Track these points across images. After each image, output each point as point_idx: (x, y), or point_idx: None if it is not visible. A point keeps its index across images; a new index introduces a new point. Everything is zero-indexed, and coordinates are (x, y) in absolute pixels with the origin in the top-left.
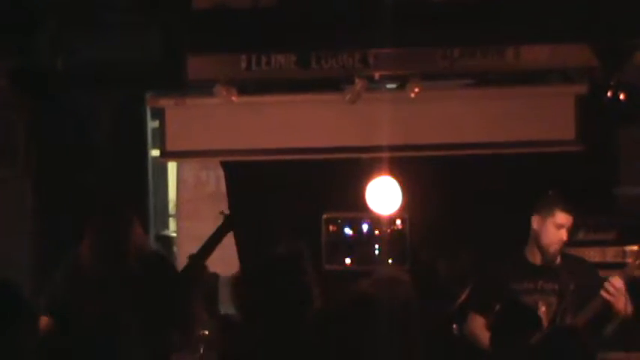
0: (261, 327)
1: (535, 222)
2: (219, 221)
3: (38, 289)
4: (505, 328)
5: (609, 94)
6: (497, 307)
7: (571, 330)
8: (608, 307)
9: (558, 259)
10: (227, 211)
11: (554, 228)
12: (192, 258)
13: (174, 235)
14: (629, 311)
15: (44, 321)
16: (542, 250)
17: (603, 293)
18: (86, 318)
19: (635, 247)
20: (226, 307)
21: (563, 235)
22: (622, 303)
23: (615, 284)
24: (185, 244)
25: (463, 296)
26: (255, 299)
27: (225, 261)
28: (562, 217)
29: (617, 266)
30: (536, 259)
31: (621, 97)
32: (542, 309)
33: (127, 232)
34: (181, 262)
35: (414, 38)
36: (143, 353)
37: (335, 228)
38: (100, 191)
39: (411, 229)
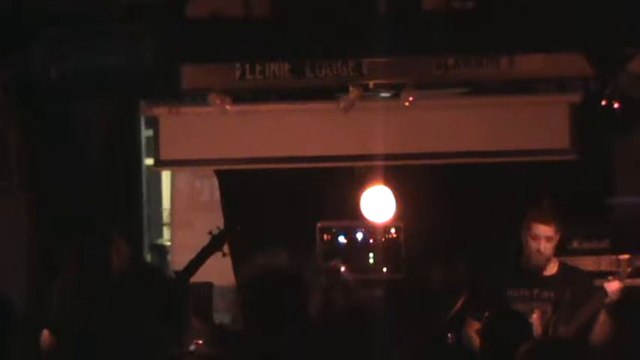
0: (263, 336)
1: (522, 236)
2: (214, 231)
3: (35, 302)
4: (495, 335)
5: (604, 103)
6: (487, 313)
7: (560, 341)
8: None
9: (555, 269)
10: (217, 231)
11: (531, 239)
12: (178, 275)
13: (168, 244)
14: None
15: (45, 336)
16: (526, 260)
17: (605, 284)
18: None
19: (628, 256)
20: (221, 316)
21: (541, 245)
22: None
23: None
24: (179, 253)
25: (458, 305)
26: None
27: (218, 270)
28: (537, 228)
29: (612, 275)
30: (532, 267)
31: (615, 106)
32: (534, 316)
33: (109, 252)
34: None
35: (409, 47)
36: None
37: (329, 237)
38: (81, 208)
39: (406, 238)
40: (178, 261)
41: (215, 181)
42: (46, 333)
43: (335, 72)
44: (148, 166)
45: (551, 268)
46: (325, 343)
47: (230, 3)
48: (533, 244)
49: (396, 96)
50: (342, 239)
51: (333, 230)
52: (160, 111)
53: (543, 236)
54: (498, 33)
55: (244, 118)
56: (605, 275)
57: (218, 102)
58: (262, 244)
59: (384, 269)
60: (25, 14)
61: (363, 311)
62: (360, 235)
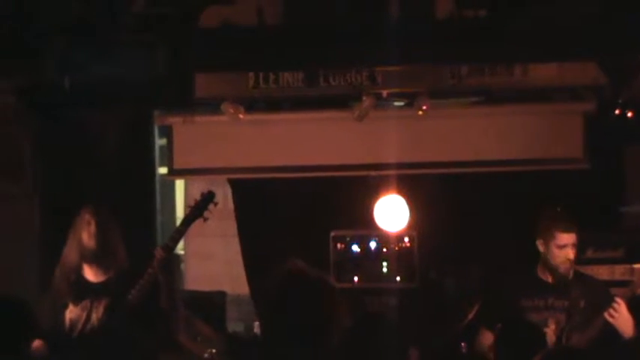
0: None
1: (540, 246)
2: (227, 239)
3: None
4: (508, 345)
5: (617, 111)
6: (500, 324)
7: (572, 350)
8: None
9: (570, 276)
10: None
11: (558, 249)
12: (165, 245)
13: (181, 252)
14: (632, 333)
15: (37, 345)
16: (552, 271)
17: (607, 316)
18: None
19: None
20: (234, 325)
21: (569, 253)
22: (625, 325)
23: (617, 308)
24: (192, 262)
25: (471, 314)
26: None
27: (232, 279)
28: (563, 238)
29: (626, 284)
30: (548, 277)
31: (629, 114)
32: (552, 327)
33: (104, 227)
34: (189, 280)
35: (422, 56)
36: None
37: (343, 245)
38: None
39: (419, 247)
40: (191, 269)
41: (228, 190)
42: (37, 343)
43: (348, 81)
44: (162, 175)
45: None
46: (339, 352)
47: (243, 12)
48: (561, 254)
49: (409, 105)
50: (355, 248)
51: (347, 239)
52: (173, 120)
53: (570, 244)
54: (512, 42)
55: (257, 127)
56: (619, 284)
57: (231, 111)
58: (275, 253)
59: (398, 278)
60: (38, 23)
61: (373, 321)
62: (373, 244)
